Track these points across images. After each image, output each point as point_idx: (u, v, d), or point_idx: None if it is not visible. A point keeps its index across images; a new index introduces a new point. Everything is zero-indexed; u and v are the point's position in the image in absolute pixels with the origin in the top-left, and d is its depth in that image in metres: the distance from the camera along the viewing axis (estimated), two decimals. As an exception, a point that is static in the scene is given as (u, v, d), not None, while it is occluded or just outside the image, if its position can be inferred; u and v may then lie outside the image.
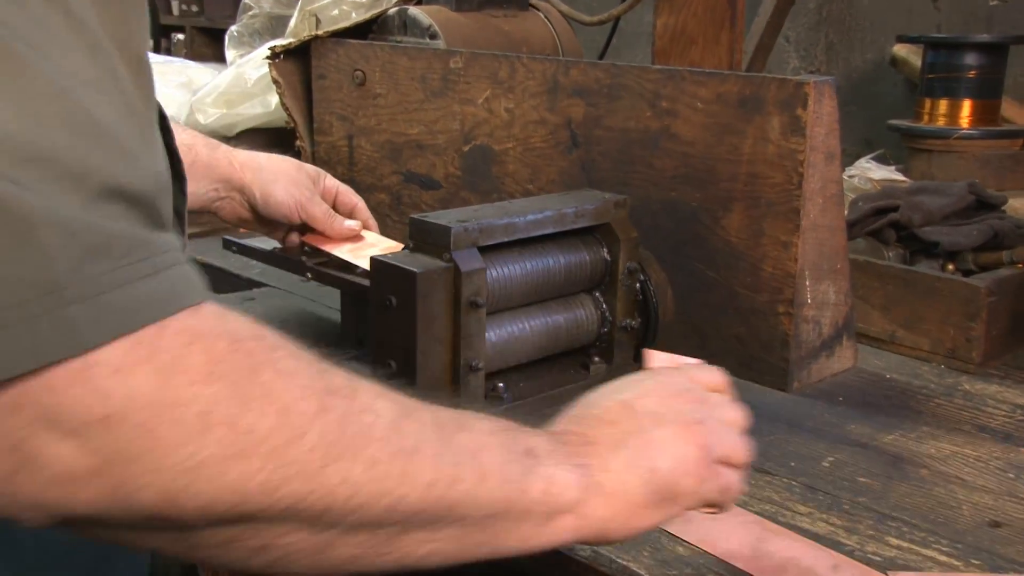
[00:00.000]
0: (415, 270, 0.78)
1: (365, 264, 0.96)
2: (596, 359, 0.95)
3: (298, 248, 1.02)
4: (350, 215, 1.02)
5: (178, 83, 1.72)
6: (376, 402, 0.44)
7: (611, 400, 0.53)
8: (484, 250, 0.84)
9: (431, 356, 0.80)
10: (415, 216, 0.83)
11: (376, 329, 0.81)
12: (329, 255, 0.99)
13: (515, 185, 1.17)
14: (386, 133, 1.30)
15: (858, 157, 1.71)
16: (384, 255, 0.81)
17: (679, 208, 1.01)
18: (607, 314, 0.94)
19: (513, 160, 1.16)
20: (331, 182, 1.03)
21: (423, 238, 0.82)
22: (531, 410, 0.88)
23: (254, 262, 1.10)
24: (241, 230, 1.11)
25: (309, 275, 0.96)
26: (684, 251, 1.01)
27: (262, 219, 1.00)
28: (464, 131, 1.21)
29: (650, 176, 1.03)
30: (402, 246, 0.98)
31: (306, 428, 0.40)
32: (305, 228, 1.02)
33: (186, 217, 0.66)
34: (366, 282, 0.85)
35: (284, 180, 0.97)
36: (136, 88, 0.43)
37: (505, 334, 0.88)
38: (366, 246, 1.00)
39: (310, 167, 1.03)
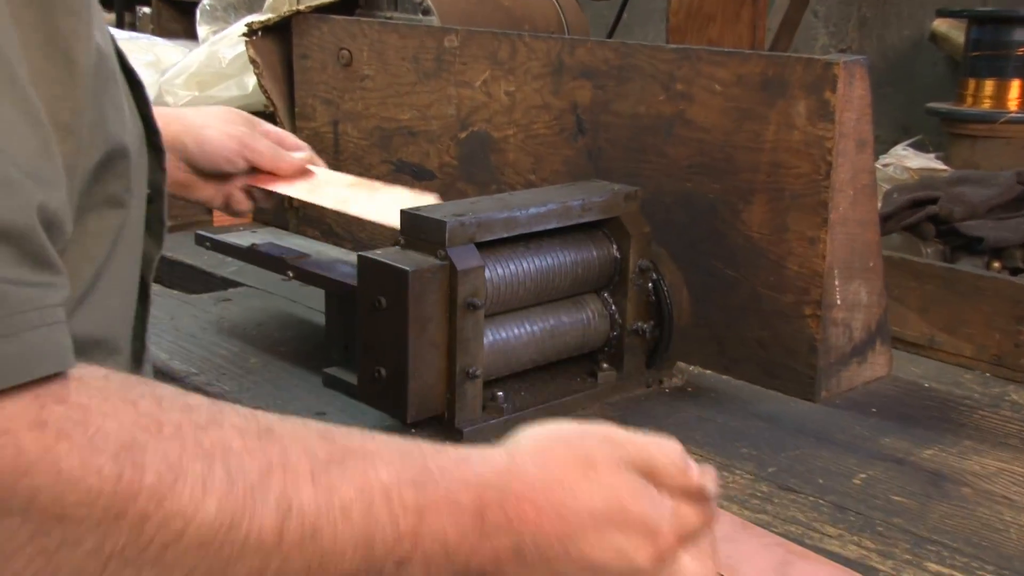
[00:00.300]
0: (407, 268, 0.78)
1: (326, 202, 0.95)
2: (605, 366, 0.96)
3: (248, 198, 1.00)
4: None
5: (144, 62, 1.70)
6: (201, 503, 0.41)
7: (589, 543, 0.49)
8: (482, 247, 0.84)
9: (424, 362, 0.81)
10: (406, 209, 0.84)
11: (364, 333, 0.82)
12: (284, 197, 1.00)
13: (516, 176, 1.17)
14: (375, 119, 1.31)
15: (893, 144, 1.72)
16: (373, 253, 0.82)
17: (695, 201, 1.02)
18: (617, 317, 0.95)
19: (514, 148, 1.17)
20: (269, 126, 1.02)
21: (416, 233, 0.82)
22: (534, 421, 0.89)
23: (230, 259, 1.11)
24: (213, 222, 1.10)
25: (290, 273, 0.97)
26: (701, 248, 1.02)
27: (202, 174, 0.97)
28: (460, 116, 1.21)
29: (663, 166, 1.04)
30: (359, 180, 0.97)
31: (83, 535, 0.39)
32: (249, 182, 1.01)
33: (166, 195, 0.66)
34: (353, 281, 0.85)
35: (218, 123, 0.95)
36: (55, 93, 0.43)
37: (505, 338, 0.88)
38: (322, 184, 0.98)
39: (243, 112, 1.01)
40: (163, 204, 0.66)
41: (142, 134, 0.60)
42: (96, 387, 0.41)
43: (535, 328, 0.91)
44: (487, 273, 0.84)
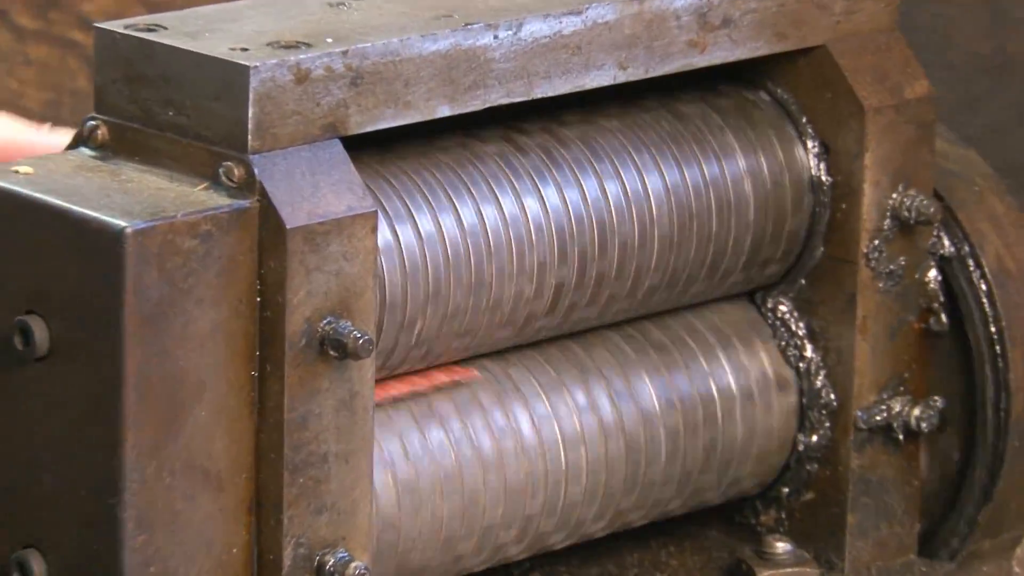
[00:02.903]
0: (119, 223, 0.81)
1: None
2: (780, 548, 0.98)
3: None
4: None
5: None
6: None
7: None
8: (370, 146, 0.88)
9: (181, 533, 0.83)
10: (106, 25, 0.92)
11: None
12: None
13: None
14: None
15: None
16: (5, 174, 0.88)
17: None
18: (820, 380, 1.00)
19: None
20: None
21: (151, 106, 0.87)
22: None
23: None
24: None
25: None
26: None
27: None
28: None
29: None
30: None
31: None
32: None
33: None
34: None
35: None
36: None
37: (448, 456, 0.92)
38: None
39: None
40: None
41: None
42: None
43: (544, 419, 0.93)
44: (392, 237, 0.88)
